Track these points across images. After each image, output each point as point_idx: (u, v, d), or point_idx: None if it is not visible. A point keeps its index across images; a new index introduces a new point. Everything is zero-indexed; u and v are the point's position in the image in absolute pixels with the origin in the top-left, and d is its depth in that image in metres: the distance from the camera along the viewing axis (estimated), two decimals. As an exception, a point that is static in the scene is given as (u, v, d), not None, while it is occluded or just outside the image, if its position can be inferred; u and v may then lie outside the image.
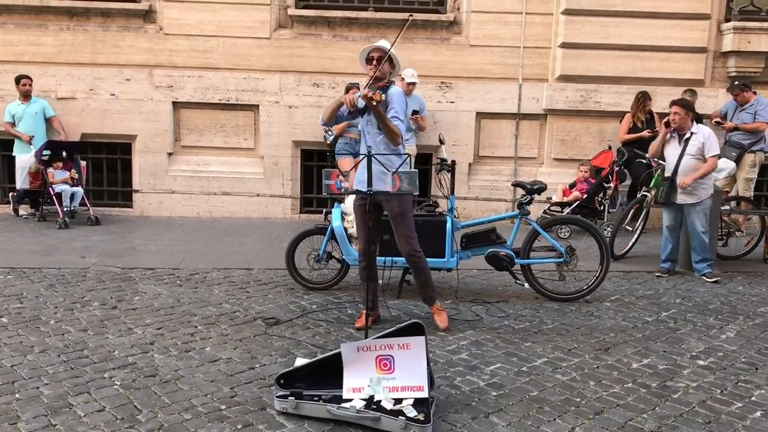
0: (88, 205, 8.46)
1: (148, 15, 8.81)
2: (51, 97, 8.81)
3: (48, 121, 8.65)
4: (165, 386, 3.79)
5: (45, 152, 8.30)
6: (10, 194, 8.83)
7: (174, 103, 8.91)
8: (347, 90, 8.30)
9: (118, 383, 3.81)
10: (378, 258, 5.50)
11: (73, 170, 8.44)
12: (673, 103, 6.53)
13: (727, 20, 8.75)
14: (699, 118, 8.35)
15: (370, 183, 4.44)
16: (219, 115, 8.98)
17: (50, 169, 8.31)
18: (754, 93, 8.25)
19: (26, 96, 8.47)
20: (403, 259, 5.54)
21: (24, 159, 8.48)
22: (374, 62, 4.62)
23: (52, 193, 8.21)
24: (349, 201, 5.80)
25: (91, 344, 4.41)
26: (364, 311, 4.61)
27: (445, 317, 4.89)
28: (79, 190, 8.41)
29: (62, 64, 8.80)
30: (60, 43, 8.78)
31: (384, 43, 4.74)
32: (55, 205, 8.19)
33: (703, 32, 8.72)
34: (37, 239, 7.46)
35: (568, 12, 8.62)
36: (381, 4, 8.94)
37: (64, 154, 8.46)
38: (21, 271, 6.15)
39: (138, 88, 8.85)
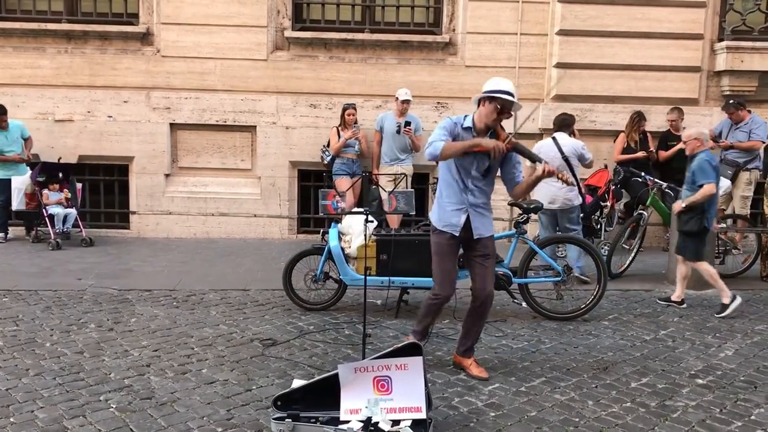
0: (81, 227, 8.47)
1: (145, 37, 8.87)
2: (49, 119, 8.83)
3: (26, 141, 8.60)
4: (161, 409, 3.77)
5: (40, 174, 8.33)
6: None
7: (171, 124, 8.93)
8: (344, 111, 8.36)
9: (114, 406, 3.79)
10: (376, 278, 5.53)
11: (65, 190, 8.44)
12: None
13: (720, 40, 8.83)
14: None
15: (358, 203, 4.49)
16: (216, 137, 9.00)
17: (45, 191, 8.34)
18: (749, 111, 8.30)
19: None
20: (401, 278, 5.58)
21: (20, 180, 8.48)
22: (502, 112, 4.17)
23: (45, 214, 8.23)
24: (347, 221, 5.81)
25: (87, 367, 4.38)
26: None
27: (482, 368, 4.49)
28: (72, 212, 8.41)
29: (60, 86, 8.83)
30: (58, 66, 8.83)
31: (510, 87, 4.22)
32: (54, 226, 8.20)
33: (696, 52, 8.79)
34: (33, 261, 7.44)
35: (562, 32, 8.69)
36: (377, 26, 9.01)
37: (60, 175, 8.48)
38: (17, 293, 6.13)
39: (135, 110, 8.88)
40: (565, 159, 6.70)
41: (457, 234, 4.29)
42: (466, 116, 4.30)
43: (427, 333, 4.62)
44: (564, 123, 6.98)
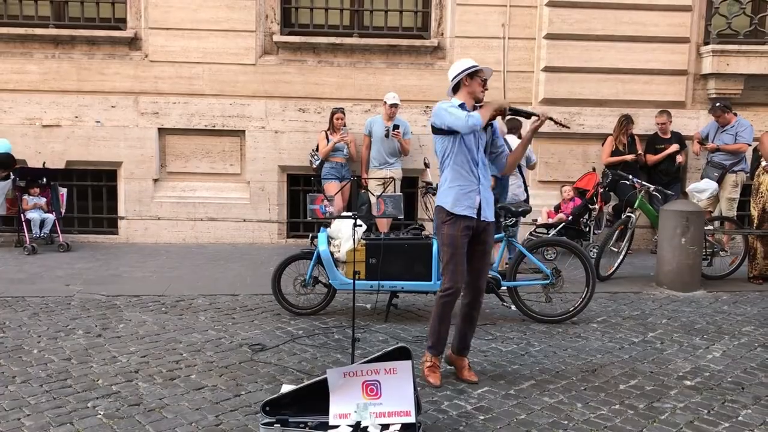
0: (59, 232, 8.44)
1: (133, 42, 8.84)
2: (36, 124, 8.79)
3: None
4: (149, 415, 3.75)
5: (20, 179, 8.36)
6: None
7: (160, 129, 8.91)
8: (332, 115, 8.37)
9: (102, 413, 3.77)
10: (365, 282, 5.53)
11: (39, 196, 8.43)
12: None
13: (706, 43, 8.90)
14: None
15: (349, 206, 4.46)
16: (205, 141, 8.98)
17: (25, 196, 8.33)
18: (735, 114, 8.37)
19: None
20: (391, 282, 5.58)
21: (1, 186, 8.41)
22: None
23: (23, 219, 8.22)
24: (336, 225, 5.81)
25: (74, 373, 4.35)
26: (435, 360, 4.39)
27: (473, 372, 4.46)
28: (50, 217, 8.38)
29: (47, 91, 8.79)
30: (45, 71, 8.78)
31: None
32: (31, 231, 8.21)
33: (683, 55, 8.86)
34: (20, 267, 7.39)
35: (550, 36, 8.74)
36: (366, 30, 9.02)
37: (44, 180, 8.47)
38: (4, 299, 6.08)
39: (123, 114, 8.85)
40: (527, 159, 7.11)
41: (475, 216, 4.21)
42: (451, 100, 4.32)
43: (444, 345, 4.40)
44: (513, 126, 7.46)
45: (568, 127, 4.84)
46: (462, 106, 4.23)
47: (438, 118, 4.18)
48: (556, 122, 4.50)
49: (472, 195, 4.22)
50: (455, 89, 4.33)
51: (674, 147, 8.52)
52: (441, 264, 4.35)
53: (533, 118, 4.36)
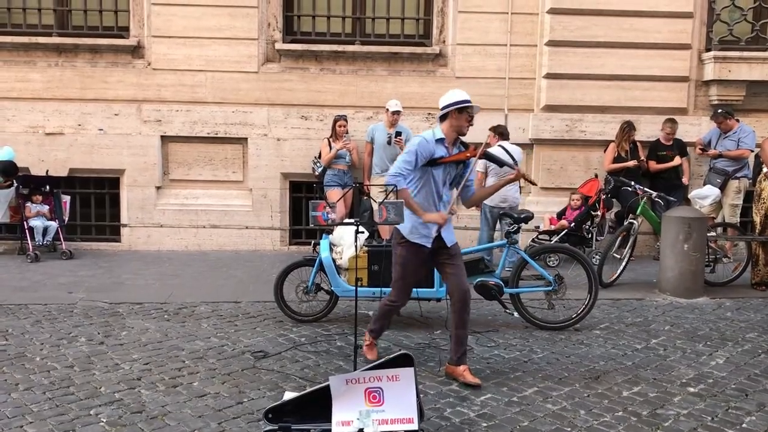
0: (62, 239, 8.46)
1: (136, 51, 8.88)
2: (39, 132, 8.81)
3: None
4: (152, 422, 3.75)
5: (23, 187, 8.39)
6: None
7: (162, 137, 8.92)
8: (335, 122, 8.39)
9: (104, 420, 3.77)
10: (367, 289, 5.53)
11: (42, 204, 8.45)
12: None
13: (708, 50, 8.91)
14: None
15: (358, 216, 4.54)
16: (207, 149, 9.00)
17: (28, 204, 8.36)
18: (737, 120, 8.37)
19: None
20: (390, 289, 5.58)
21: (4, 194, 8.44)
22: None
23: (26, 227, 8.25)
24: (338, 232, 5.81)
25: (77, 381, 4.36)
26: (373, 340, 4.81)
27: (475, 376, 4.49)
28: (53, 224, 8.40)
29: (50, 99, 8.82)
30: (48, 79, 8.82)
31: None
32: (34, 239, 8.24)
33: (684, 62, 8.87)
34: (23, 275, 7.40)
35: (551, 43, 8.75)
36: (367, 38, 9.05)
37: (47, 188, 8.48)
38: (6, 307, 6.09)
39: (126, 122, 8.87)
40: (515, 161, 7.24)
41: (430, 245, 4.45)
42: (434, 130, 4.49)
43: (382, 332, 4.89)
44: (507, 132, 7.84)
45: (535, 184, 5.36)
46: (441, 141, 4.42)
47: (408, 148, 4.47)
48: (525, 179, 4.86)
49: (430, 226, 4.43)
50: (443, 117, 4.47)
51: (677, 160, 8.53)
52: (392, 278, 4.63)
53: (506, 168, 4.73)
